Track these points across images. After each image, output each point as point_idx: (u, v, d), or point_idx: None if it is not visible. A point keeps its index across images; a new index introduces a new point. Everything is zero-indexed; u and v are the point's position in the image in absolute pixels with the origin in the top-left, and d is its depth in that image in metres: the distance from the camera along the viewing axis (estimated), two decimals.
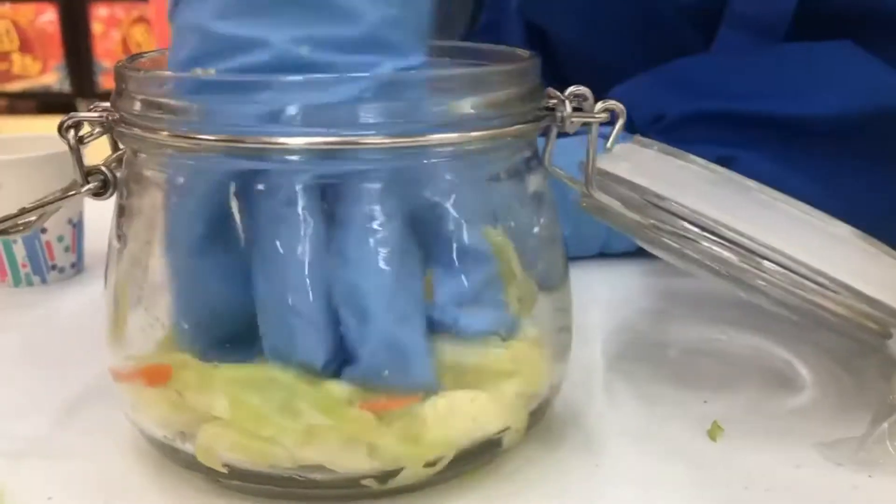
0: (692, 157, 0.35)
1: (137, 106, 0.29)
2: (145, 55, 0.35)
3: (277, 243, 0.28)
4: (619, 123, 0.33)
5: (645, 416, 0.37)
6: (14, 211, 0.45)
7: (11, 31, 3.51)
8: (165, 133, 0.28)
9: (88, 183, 0.32)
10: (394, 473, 0.29)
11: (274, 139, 0.28)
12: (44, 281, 0.51)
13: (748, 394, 0.39)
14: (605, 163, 0.36)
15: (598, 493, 0.32)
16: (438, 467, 0.29)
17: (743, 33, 0.51)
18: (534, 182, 0.34)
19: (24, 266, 0.50)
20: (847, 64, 0.49)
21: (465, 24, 0.71)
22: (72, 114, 0.31)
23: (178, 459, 0.30)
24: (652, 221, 0.34)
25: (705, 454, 0.34)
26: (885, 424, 0.32)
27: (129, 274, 0.31)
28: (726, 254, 0.33)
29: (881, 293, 0.33)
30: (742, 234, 0.33)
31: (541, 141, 0.35)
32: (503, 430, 0.31)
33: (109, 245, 0.31)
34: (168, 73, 0.29)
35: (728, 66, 0.52)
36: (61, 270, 0.51)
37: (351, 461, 0.29)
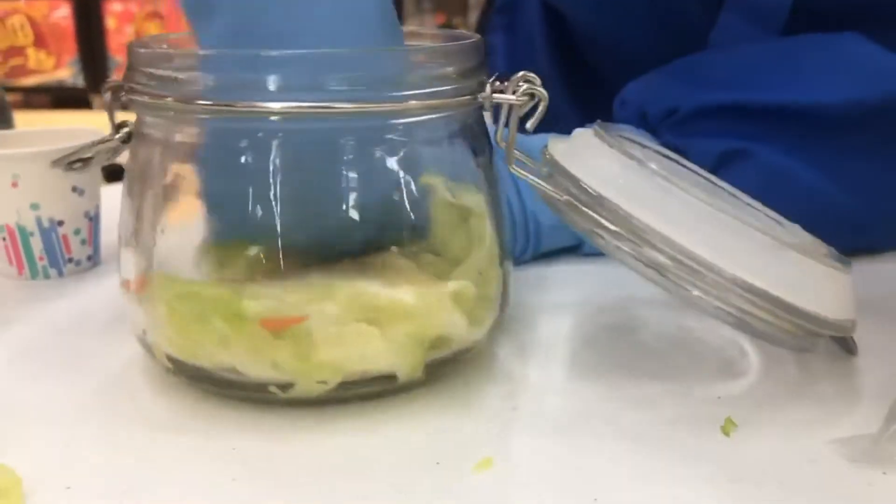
0: (637, 154, 0.40)
1: (143, 78, 0.40)
2: (162, 36, 0.46)
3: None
4: (541, 108, 0.40)
5: (578, 382, 0.43)
6: (29, 204, 0.55)
7: (26, 26, 3.57)
8: (170, 99, 0.38)
9: (118, 133, 0.43)
10: (292, 385, 0.39)
11: (259, 104, 0.37)
12: (60, 274, 0.60)
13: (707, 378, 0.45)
14: (555, 149, 0.42)
15: (501, 432, 0.39)
16: (329, 386, 0.39)
17: (742, 21, 0.52)
18: (460, 154, 0.42)
19: (41, 259, 0.60)
20: (856, 54, 0.58)
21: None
22: (111, 79, 0.42)
23: (149, 354, 0.42)
24: (582, 208, 0.39)
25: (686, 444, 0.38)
26: None
27: (130, 215, 0.42)
28: (660, 258, 0.37)
29: (805, 301, 0.37)
30: (667, 240, 0.37)
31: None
32: (395, 366, 0.40)
33: (122, 193, 0.43)
34: (169, 50, 0.41)
35: (739, 59, 0.62)
36: (77, 263, 0.62)
37: (257, 368, 0.39)
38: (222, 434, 0.39)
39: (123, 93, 0.41)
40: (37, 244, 0.57)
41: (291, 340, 0.38)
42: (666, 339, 0.49)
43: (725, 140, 0.56)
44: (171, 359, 0.41)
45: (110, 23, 3.58)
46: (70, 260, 0.59)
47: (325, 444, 0.38)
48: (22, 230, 0.56)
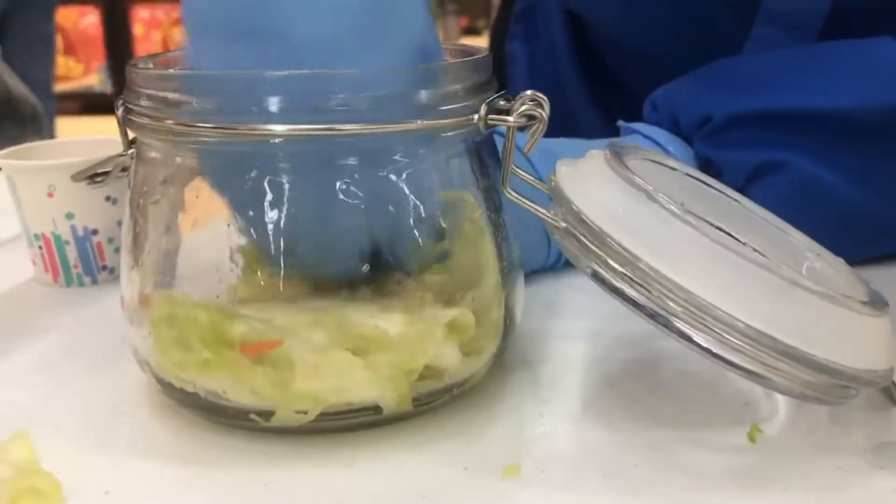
0: (647, 183, 0.37)
1: (142, 99, 0.39)
2: (161, 55, 0.45)
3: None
4: (539, 129, 0.38)
5: (589, 426, 0.41)
6: (64, 213, 0.56)
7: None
8: (170, 122, 0.38)
9: (131, 148, 0.42)
10: (273, 413, 0.38)
11: (261, 127, 0.36)
12: (94, 281, 0.61)
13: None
14: (561, 173, 0.40)
15: (494, 482, 0.37)
16: (309, 416, 0.38)
17: (777, 30, 0.53)
18: (464, 174, 0.41)
19: (75, 267, 0.61)
20: (889, 57, 0.56)
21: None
22: (122, 95, 0.41)
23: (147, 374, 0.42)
24: (582, 241, 0.37)
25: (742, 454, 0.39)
26: None
27: (129, 233, 0.42)
28: (667, 304, 0.35)
29: (828, 352, 0.35)
30: (673, 284, 0.34)
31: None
32: (379, 397, 0.38)
33: (125, 210, 0.43)
34: (168, 70, 0.40)
35: (773, 64, 0.60)
36: (111, 271, 0.62)
37: (238, 394, 0.38)
38: (251, 447, 0.39)
39: (125, 113, 0.41)
40: (72, 252, 0.59)
41: (270, 367, 0.38)
42: (688, 377, 0.46)
43: (760, 151, 0.56)
44: (159, 381, 0.41)
45: (138, 29, 3.64)
46: (104, 268, 0.60)
47: (353, 469, 0.38)
48: (57, 239, 0.58)
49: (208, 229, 0.41)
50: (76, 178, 0.45)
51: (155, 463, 0.39)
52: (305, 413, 0.38)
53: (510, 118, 0.38)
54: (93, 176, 0.44)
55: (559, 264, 0.59)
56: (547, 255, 0.58)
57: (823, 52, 0.60)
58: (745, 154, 0.56)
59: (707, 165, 0.59)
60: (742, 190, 0.55)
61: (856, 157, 0.56)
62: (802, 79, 0.58)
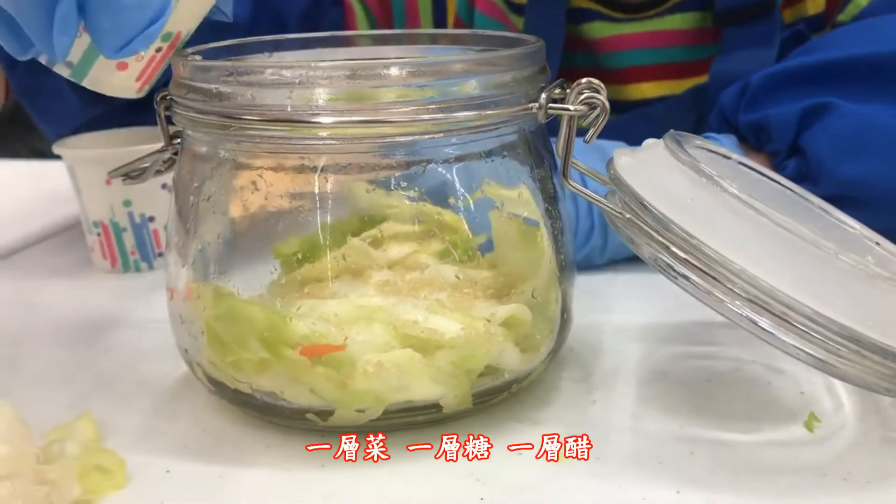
0: (713, 170, 0.36)
1: (186, 91, 0.38)
2: (207, 47, 0.43)
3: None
4: (601, 119, 0.37)
5: (646, 421, 0.40)
6: (122, 201, 0.58)
7: None
8: (213, 115, 0.36)
9: (172, 144, 0.41)
10: (332, 412, 0.36)
11: (307, 119, 0.35)
12: (151, 267, 0.61)
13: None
14: (620, 162, 0.38)
15: (556, 476, 0.36)
16: (370, 415, 0.36)
17: None
18: (517, 166, 0.39)
19: (132, 253, 0.61)
20: None
21: None
22: (164, 90, 0.40)
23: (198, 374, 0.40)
24: (646, 230, 0.36)
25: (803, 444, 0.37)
26: None
27: (175, 226, 0.41)
28: (733, 290, 0.34)
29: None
30: (741, 271, 0.33)
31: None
32: (440, 396, 0.37)
33: (170, 204, 0.42)
34: (215, 62, 0.38)
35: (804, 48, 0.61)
36: None
37: (296, 394, 0.36)
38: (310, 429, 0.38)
39: (167, 106, 0.39)
40: (129, 239, 0.59)
41: (331, 367, 0.35)
42: (744, 368, 0.44)
43: (803, 100, 0.55)
44: (211, 380, 0.39)
45: None
46: (160, 254, 0.60)
47: (402, 450, 0.37)
48: (115, 226, 0.59)
49: (258, 224, 0.39)
50: (112, 174, 0.44)
51: (213, 443, 0.38)
52: (364, 412, 0.36)
53: (570, 107, 0.36)
54: (129, 173, 0.43)
55: (585, 247, 0.55)
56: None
57: (845, 29, 0.61)
58: (790, 105, 0.55)
59: (758, 132, 0.57)
60: (795, 143, 0.54)
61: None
62: (827, 42, 0.59)
